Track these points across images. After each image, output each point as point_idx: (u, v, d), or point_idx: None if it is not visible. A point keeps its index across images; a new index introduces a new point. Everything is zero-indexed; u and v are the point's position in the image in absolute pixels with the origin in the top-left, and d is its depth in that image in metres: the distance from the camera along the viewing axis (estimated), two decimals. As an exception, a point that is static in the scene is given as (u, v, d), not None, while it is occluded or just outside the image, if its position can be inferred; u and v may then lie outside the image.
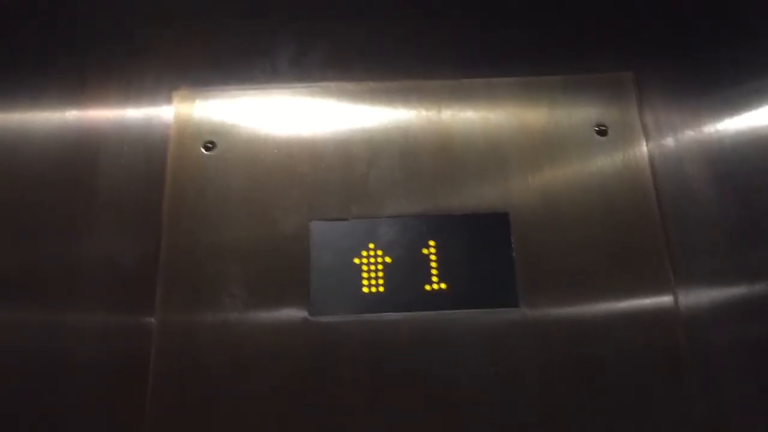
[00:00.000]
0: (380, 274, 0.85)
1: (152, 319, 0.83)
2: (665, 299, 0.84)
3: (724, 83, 0.94)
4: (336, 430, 0.80)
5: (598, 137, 0.92)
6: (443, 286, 0.84)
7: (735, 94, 0.94)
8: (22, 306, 0.85)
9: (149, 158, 0.91)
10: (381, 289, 0.84)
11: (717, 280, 0.85)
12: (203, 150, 0.91)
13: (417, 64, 0.95)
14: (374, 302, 0.84)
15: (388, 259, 0.85)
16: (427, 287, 0.84)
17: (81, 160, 0.91)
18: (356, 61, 0.95)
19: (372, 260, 0.85)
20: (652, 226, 0.87)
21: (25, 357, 0.82)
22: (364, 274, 0.85)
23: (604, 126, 0.92)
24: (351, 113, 0.93)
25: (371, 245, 0.86)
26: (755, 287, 0.84)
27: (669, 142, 0.92)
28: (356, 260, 0.85)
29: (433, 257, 0.86)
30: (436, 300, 0.84)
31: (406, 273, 0.85)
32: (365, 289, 0.84)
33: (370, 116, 0.93)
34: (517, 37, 0.97)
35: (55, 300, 0.84)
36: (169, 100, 0.93)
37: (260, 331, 0.83)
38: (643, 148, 0.91)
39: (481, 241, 0.86)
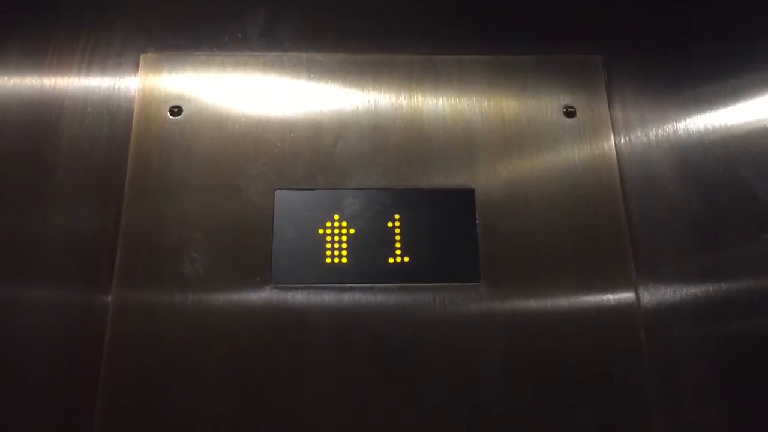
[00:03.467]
0: (344, 245, 0.85)
1: (110, 289, 0.82)
2: (627, 287, 0.86)
3: (694, 73, 0.95)
4: (297, 399, 0.80)
5: (566, 119, 0.92)
6: (406, 259, 0.84)
7: (705, 84, 0.94)
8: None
9: (113, 122, 0.89)
10: (344, 260, 0.84)
11: (679, 274, 0.86)
12: (169, 115, 0.89)
13: (389, 37, 0.95)
14: (337, 273, 0.84)
15: (352, 231, 0.85)
16: (390, 260, 0.84)
17: (42, 123, 0.88)
18: (328, 32, 0.95)
19: (336, 231, 0.85)
20: (616, 209, 0.89)
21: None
22: (328, 245, 0.85)
23: (572, 108, 0.93)
24: (321, 84, 0.92)
25: (336, 216, 0.86)
26: (717, 284, 0.85)
27: (636, 127, 0.93)
28: (320, 231, 0.85)
29: (397, 230, 0.86)
30: (398, 273, 0.84)
31: (370, 245, 0.85)
32: (328, 260, 0.84)
33: (340, 88, 0.92)
34: (489, 15, 0.98)
35: (10, 272, 0.82)
36: (136, 63, 0.92)
37: (222, 299, 0.83)
38: (610, 132, 0.92)
39: (445, 216, 0.87)
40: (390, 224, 0.86)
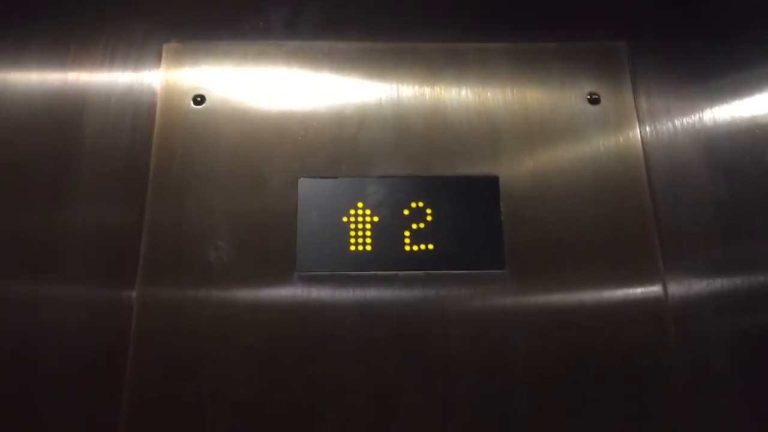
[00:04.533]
0: (368, 233, 0.84)
1: (135, 280, 0.82)
2: (654, 278, 0.84)
3: (719, 61, 0.94)
4: (321, 386, 0.80)
5: (590, 106, 0.92)
6: (431, 246, 0.84)
7: (730, 72, 0.93)
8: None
9: (137, 113, 0.89)
10: (368, 248, 0.84)
11: (707, 266, 0.85)
12: (192, 104, 0.90)
13: (411, 26, 0.95)
14: (361, 261, 0.83)
15: (376, 219, 0.85)
16: (415, 247, 0.84)
17: (66, 115, 0.88)
18: (350, 21, 0.95)
19: (360, 219, 0.85)
20: (642, 199, 0.88)
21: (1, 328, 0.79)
22: (352, 233, 0.84)
23: (596, 95, 0.92)
24: (343, 73, 0.92)
25: (359, 204, 0.85)
26: (746, 276, 0.84)
27: (662, 115, 0.92)
28: (344, 218, 0.85)
29: (421, 218, 0.85)
30: (422, 260, 0.83)
31: (393, 232, 0.84)
32: (352, 248, 0.84)
33: (363, 77, 0.92)
34: (512, 2, 0.97)
35: (36, 266, 0.82)
36: (159, 54, 0.92)
37: (247, 287, 0.82)
38: (635, 120, 0.91)
39: (469, 203, 0.86)
40: (414, 212, 0.85)
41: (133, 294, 0.82)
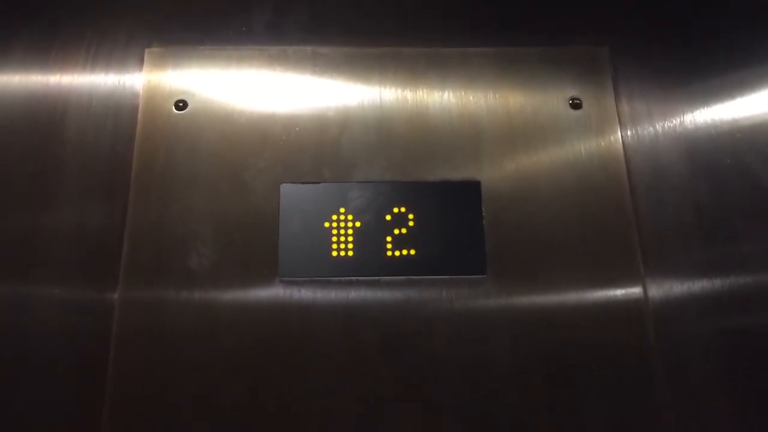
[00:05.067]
0: (350, 238, 0.85)
1: (117, 283, 0.82)
2: (634, 280, 0.86)
3: (701, 65, 0.94)
4: (304, 391, 0.80)
5: (572, 111, 0.92)
6: (412, 251, 0.84)
7: (712, 75, 0.94)
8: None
9: (119, 117, 0.89)
10: (350, 253, 0.84)
11: (687, 268, 0.85)
12: (174, 109, 0.90)
13: (394, 31, 0.95)
14: (343, 266, 0.84)
15: (358, 224, 0.85)
16: (397, 252, 0.84)
17: (47, 118, 0.87)
18: (333, 26, 0.94)
19: (342, 224, 0.85)
20: (623, 202, 0.88)
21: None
22: (334, 238, 0.84)
23: (578, 100, 0.92)
24: (326, 78, 0.92)
25: (341, 209, 0.86)
26: (726, 277, 0.84)
27: (643, 119, 0.92)
28: (326, 224, 0.85)
29: (403, 223, 0.86)
30: (405, 265, 0.84)
31: (375, 238, 0.85)
32: (334, 253, 0.84)
33: (346, 81, 0.92)
34: (494, 7, 0.97)
35: (18, 267, 0.81)
36: (141, 58, 0.92)
37: (229, 293, 0.83)
38: (617, 124, 0.92)
39: (451, 208, 0.86)
40: (396, 217, 0.86)
41: (115, 296, 0.82)
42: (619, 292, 0.85)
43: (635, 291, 0.85)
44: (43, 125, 0.86)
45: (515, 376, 0.81)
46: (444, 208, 0.86)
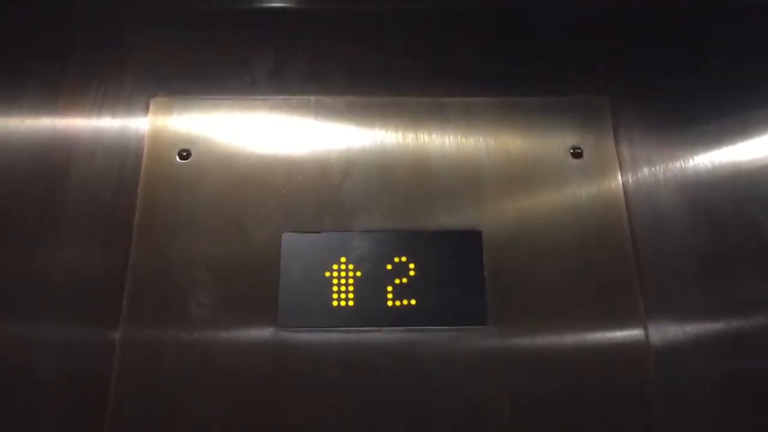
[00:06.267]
0: (350, 288, 0.85)
1: (117, 329, 0.83)
2: (636, 325, 0.85)
3: (700, 111, 0.95)
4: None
5: (573, 160, 0.93)
6: (413, 302, 0.84)
7: (711, 121, 0.95)
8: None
9: (123, 164, 0.90)
10: (351, 303, 0.84)
11: (689, 313, 0.86)
12: (178, 158, 0.90)
13: (396, 80, 0.96)
14: (344, 316, 0.83)
15: (359, 273, 0.85)
16: (397, 303, 0.84)
17: (53, 165, 0.89)
18: (336, 75, 0.96)
19: (343, 274, 0.85)
20: (624, 248, 0.88)
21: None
22: (335, 288, 0.85)
23: (579, 149, 0.93)
24: (329, 127, 0.93)
25: (342, 259, 0.86)
26: (727, 322, 0.84)
27: (643, 166, 0.93)
28: (327, 273, 0.85)
29: (404, 273, 0.86)
30: (405, 316, 0.84)
31: (376, 288, 0.85)
32: (335, 303, 0.84)
33: (348, 130, 0.93)
34: (495, 58, 0.98)
35: (18, 311, 0.82)
36: (146, 107, 0.93)
37: (227, 342, 0.83)
38: (617, 171, 0.92)
39: (452, 258, 0.86)
40: (397, 267, 0.86)
41: (116, 339, 0.82)
42: (620, 336, 0.84)
43: (636, 334, 0.84)
44: (49, 172, 0.88)
45: (516, 424, 0.81)
46: (445, 258, 0.86)
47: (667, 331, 0.85)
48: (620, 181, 0.92)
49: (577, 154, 0.93)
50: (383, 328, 0.83)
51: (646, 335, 0.84)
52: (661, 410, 0.81)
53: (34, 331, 0.81)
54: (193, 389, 0.81)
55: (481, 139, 0.93)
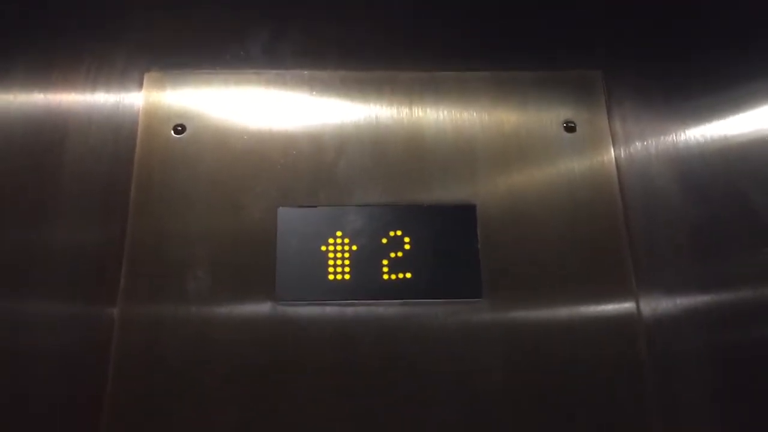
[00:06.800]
0: (346, 262, 0.85)
1: (115, 305, 0.83)
2: (627, 298, 0.86)
3: (693, 86, 0.95)
4: (300, 415, 0.81)
5: (566, 134, 0.93)
6: (408, 275, 0.85)
7: (704, 96, 0.95)
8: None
9: (117, 140, 0.90)
10: (347, 276, 0.85)
11: (680, 286, 0.86)
12: (173, 133, 0.90)
13: (390, 55, 0.96)
14: (340, 290, 0.84)
15: (354, 247, 0.86)
16: (393, 276, 0.85)
17: (47, 141, 0.88)
18: (330, 49, 0.95)
19: (338, 248, 0.86)
20: (616, 222, 0.89)
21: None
22: (330, 262, 0.85)
23: (572, 123, 0.93)
24: (323, 101, 0.93)
25: (338, 233, 0.86)
26: (718, 296, 0.85)
27: (636, 140, 0.93)
28: (323, 248, 0.86)
29: (399, 246, 0.86)
30: (400, 289, 0.85)
31: (372, 261, 0.85)
32: (331, 277, 0.85)
33: (342, 105, 0.93)
34: (489, 32, 0.98)
35: (15, 288, 0.82)
36: (140, 82, 0.92)
37: (225, 316, 0.83)
38: (610, 145, 0.93)
39: (447, 232, 0.87)
40: (392, 240, 0.86)
41: (114, 315, 0.83)
42: (612, 310, 0.86)
43: (628, 307, 0.86)
44: (43, 149, 0.87)
45: (510, 396, 0.82)
46: (440, 231, 0.87)
47: (658, 304, 0.86)
48: (613, 155, 0.92)
49: (570, 128, 0.93)
50: (379, 302, 0.84)
51: (638, 308, 0.85)
52: (652, 382, 0.83)
53: (32, 308, 0.81)
54: (191, 363, 0.81)
55: (475, 113, 0.93)
